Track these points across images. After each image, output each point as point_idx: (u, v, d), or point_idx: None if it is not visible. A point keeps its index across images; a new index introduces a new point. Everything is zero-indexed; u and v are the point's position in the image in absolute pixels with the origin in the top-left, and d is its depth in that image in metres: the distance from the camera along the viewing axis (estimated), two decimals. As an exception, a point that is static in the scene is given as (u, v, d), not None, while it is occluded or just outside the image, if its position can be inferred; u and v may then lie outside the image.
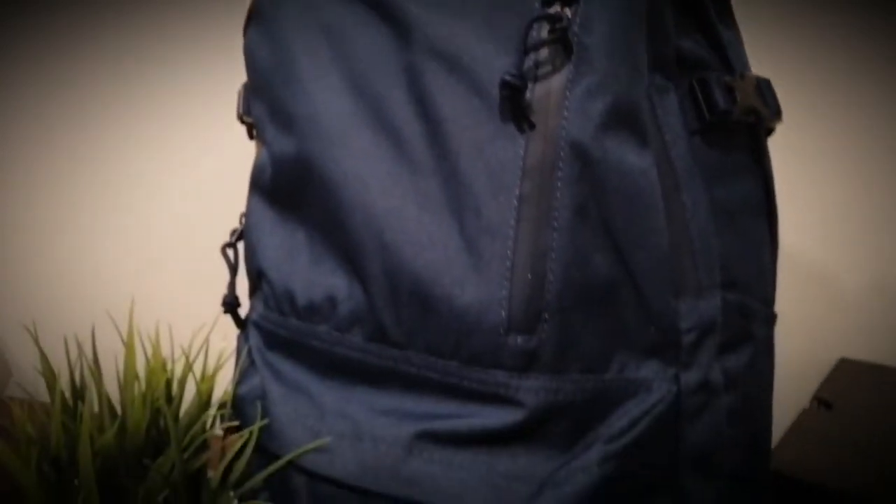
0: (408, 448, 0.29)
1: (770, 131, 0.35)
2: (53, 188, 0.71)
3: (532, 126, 0.28)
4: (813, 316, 0.59)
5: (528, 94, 0.28)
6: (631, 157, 0.28)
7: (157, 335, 0.35)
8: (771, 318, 0.35)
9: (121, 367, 0.35)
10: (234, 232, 0.39)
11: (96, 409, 0.32)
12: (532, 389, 0.28)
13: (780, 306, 0.60)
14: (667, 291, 0.29)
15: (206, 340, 0.34)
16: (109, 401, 0.32)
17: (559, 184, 0.28)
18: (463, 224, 0.29)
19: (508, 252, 0.28)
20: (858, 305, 0.58)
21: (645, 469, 0.29)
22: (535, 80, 0.28)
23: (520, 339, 0.28)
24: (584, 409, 0.29)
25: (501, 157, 0.28)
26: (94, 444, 0.29)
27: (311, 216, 0.33)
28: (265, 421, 0.32)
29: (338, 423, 0.31)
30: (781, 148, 0.58)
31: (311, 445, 0.31)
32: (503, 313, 0.28)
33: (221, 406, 0.34)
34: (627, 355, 0.29)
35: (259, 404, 0.33)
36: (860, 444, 0.42)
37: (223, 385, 0.37)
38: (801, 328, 0.60)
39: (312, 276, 0.33)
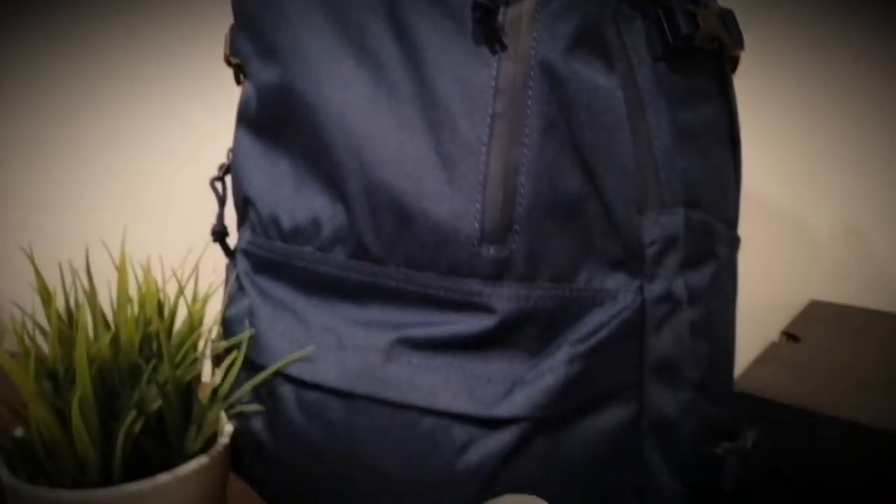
0: (387, 354, 0.31)
1: (735, 64, 0.37)
2: (51, 120, 0.72)
3: (504, 47, 0.29)
4: (783, 259, 0.61)
5: (500, 17, 0.29)
6: (597, 78, 0.30)
7: (149, 262, 0.37)
8: (734, 241, 0.37)
9: (114, 293, 0.36)
10: (221, 166, 0.41)
11: (90, 325, 0.33)
12: (504, 297, 0.30)
13: (750, 250, 0.62)
14: (631, 206, 0.31)
15: (196, 267, 0.36)
16: (104, 316, 0.33)
17: (529, 102, 0.29)
18: (439, 142, 0.30)
19: (481, 167, 0.30)
20: (828, 248, 0.60)
21: (609, 373, 0.31)
22: (507, 3, 0.29)
23: (492, 250, 0.30)
24: (552, 316, 0.31)
25: (475, 78, 0.30)
26: (89, 353, 0.31)
27: (295, 144, 0.35)
28: (252, 331, 0.34)
29: (322, 336, 0.33)
30: (750, 90, 0.59)
31: (296, 355, 0.32)
32: (476, 225, 0.30)
33: (212, 327, 0.36)
34: (594, 267, 0.31)
35: (247, 322, 0.35)
36: (825, 370, 0.44)
37: (213, 315, 0.38)
38: (771, 271, 0.62)
39: (297, 200, 0.35)
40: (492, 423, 0.30)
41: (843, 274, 0.60)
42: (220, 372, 0.35)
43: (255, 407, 0.34)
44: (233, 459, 0.38)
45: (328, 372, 0.32)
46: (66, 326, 0.33)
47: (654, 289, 0.32)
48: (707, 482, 0.35)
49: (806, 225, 0.60)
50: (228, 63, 0.41)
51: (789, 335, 0.50)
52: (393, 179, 0.31)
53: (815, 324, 0.53)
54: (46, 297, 0.33)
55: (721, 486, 0.35)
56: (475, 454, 0.30)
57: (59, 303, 0.35)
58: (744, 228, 0.61)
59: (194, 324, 0.35)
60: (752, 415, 0.40)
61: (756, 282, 0.62)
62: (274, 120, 0.35)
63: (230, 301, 0.37)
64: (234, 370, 0.35)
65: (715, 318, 0.35)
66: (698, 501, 0.35)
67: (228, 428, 0.37)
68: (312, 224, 0.34)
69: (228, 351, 0.37)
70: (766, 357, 0.46)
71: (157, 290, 0.35)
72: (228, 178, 0.41)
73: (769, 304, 0.61)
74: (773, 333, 0.56)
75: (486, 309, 0.30)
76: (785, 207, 0.61)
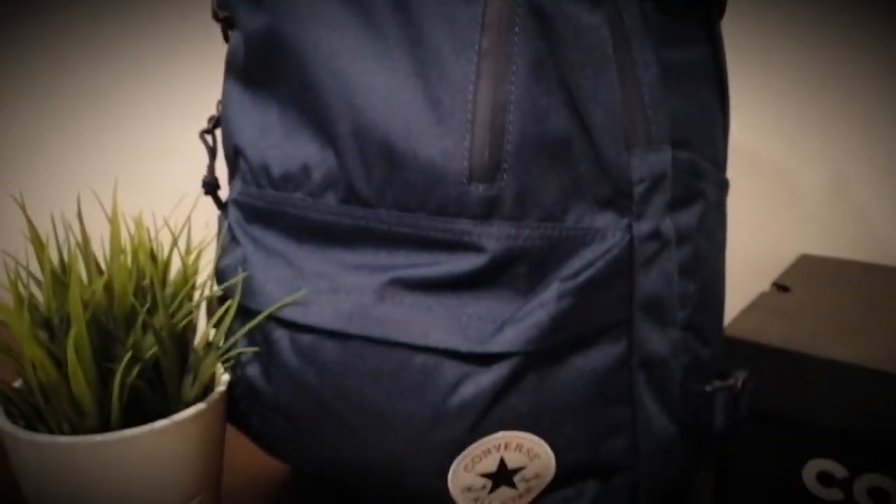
0: (380, 294, 0.31)
1: (721, 8, 0.37)
2: (42, 73, 0.72)
3: (490, -15, 0.29)
4: (774, 215, 0.61)
5: (486, -46, 0.29)
6: (584, 15, 0.30)
7: (141, 215, 0.37)
8: (723, 183, 0.37)
9: (106, 246, 0.36)
10: (211, 119, 0.41)
11: (84, 272, 0.33)
12: (494, 236, 0.30)
13: (742, 206, 0.63)
14: (619, 144, 0.31)
15: (189, 218, 0.36)
16: (97, 264, 0.33)
17: (517, 39, 0.29)
18: (426, 82, 0.30)
19: (469, 106, 0.30)
20: (819, 204, 0.60)
21: (599, 310, 0.31)
22: (493, -60, 0.29)
23: (481, 188, 0.30)
24: (542, 255, 0.31)
25: (462, 15, 0.30)
26: (83, 298, 0.31)
27: (283, 91, 0.35)
28: (245, 274, 0.34)
29: (315, 281, 0.33)
30: (742, 45, 0.59)
31: (290, 298, 0.33)
32: (465, 163, 0.30)
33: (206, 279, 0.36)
34: (583, 206, 0.31)
35: (241, 270, 0.35)
36: (812, 317, 0.44)
37: (207, 269, 0.39)
38: (763, 227, 0.62)
39: (286, 148, 0.35)
40: (483, 359, 0.30)
41: (833, 230, 0.60)
42: (214, 320, 0.35)
43: (250, 349, 0.34)
44: (230, 410, 0.38)
45: (321, 314, 0.32)
46: (60, 275, 0.34)
47: (643, 227, 0.32)
48: (697, 421, 0.35)
49: (797, 181, 0.60)
50: (216, 18, 0.41)
51: (779, 286, 0.51)
52: (382, 121, 0.31)
53: (804, 276, 0.53)
54: (39, 245, 0.33)
55: (711, 425, 0.35)
56: (467, 390, 0.30)
57: (53, 254, 0.35)
58: (736, 185, 0.61)
59: (188, 274, 0.36)
60: (741, 359, 0.41)
61: (748, 237, 0.62)
62: (262, 68, 0.35)
63: (223, 252, 0.37)
64: (229, 318, 0.35)
65: (703, 259, 0.35)
66: (689, 439, 0.36)
67: (225, 377, 0.37)
68: (302, 170, 0.34)
69: (222, 302, 0.37)
70: (756, 305, 0.47)
71: (150, 240, 0.35)
72: (218, 132, 0.41)
73: (761, 258, 0.62)
74: (765, 286, 0.56)
75: (475, 248, 0.31)
76: (776, 164, 0.61)
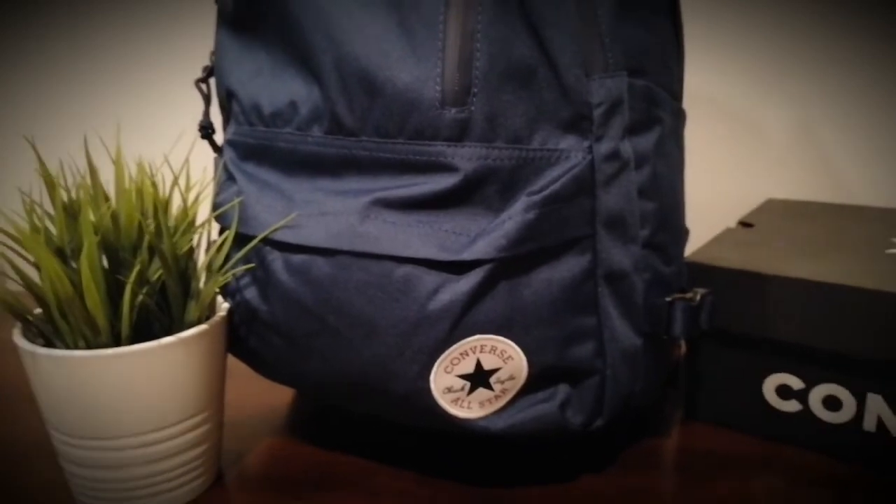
0: (364, 214, 0.34)
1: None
2: (48, 22, 0.75)
3: (456, -76, 0.32)
4: (742, 158, 0.64)
5: None
6: (542, -50, 0.33)
7: (141, 158, 0.40)
8: (678, 112, 0.40)
9: (111, 188, 0.39)
10: (205, 68, 0.44)
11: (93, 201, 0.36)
12: (466, 156, 0.33)
13: (711, 153, 0.66)
14: (579, 71, 0.34)
15: (187, 159, 0.39)
16: (105, 194, 0.36)
17: (481, -27, 0.32)
18: (400, 15, 0.33)
19: (440, 35, 0.33)
20: (784, 150, 0.63)
21: (564, 223, 0.35)
22: None
23: (453, 111, 0.33)
24: (511, 174, 0.34)
25: (432, -45, 0.33)
26: (93, 222, 0.34)
27: (270, 35, 0.38)
28: (241, 198, 0.37)
29: (304, 207, 0.36)
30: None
31: (283, 221, 0.36)
32: (437, 89, 0.33)
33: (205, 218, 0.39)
34: (548, 129, 0.34)
35: (237, 201, 0.38)
36: (774, 246, 0.47)
37: (205, 209, 0.42)
38: (731, 173, 0.65)
39: (275, 86, 0.38)
40: (459, 267, 0.33)
41: (799, 174, 0.64)
42: (215, 248, 0.38)
43: (247, 266, 0.37)
44: (230, 341, 0.41)
45: (311, 234, 0.35)
46: (70, 208, 0.37)
47: (602, 148, 0.35)
48: (658, 331, 0.38)
49: (764, 128, 0.64)
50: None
51: (744, 223, 0.54)
52: (361, 53, 0.34)
53: (769, 214, 0.56)
54: (50, 182, 0.36)
55: (671, 334, 0.39)
56: (445, 296, 0.33)
57: (62, 193, 0.38)
58: (707, 131, 0.64)
59: (188, 208, 0.39)
60: (703, 282, 0.44)
61: (716, 182, 0.65)
62: (249, 14, 0.38)
63: (220, 189, 0.40)
64: (227, 245, 0.38)
65: (661, 181, 0.38)
66: (651, 349, 0.39)
67: (225, 305, 0.40)
68: (290, 106, 0.37)
69: (220, 233, 0.40)
70: (720, 239, 0.50)
71: (152, 177, 0.38)
72: (212, 81, 0.44)
73: (730, 203, 0.65)
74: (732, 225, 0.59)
75: (450, 168, 0.34)
76: (744, 112, 0.64)
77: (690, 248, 0.60)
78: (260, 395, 0.51)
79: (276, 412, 0.49)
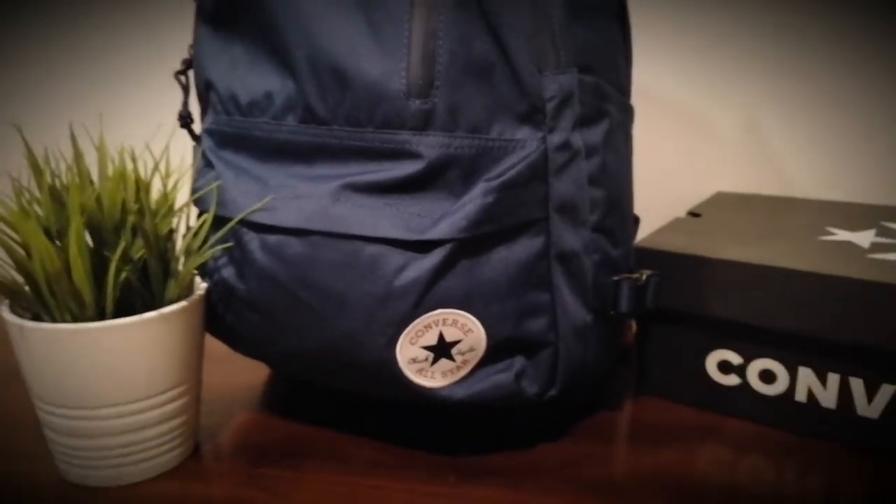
0: (335, 197, 0.37)
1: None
2: (36, 21, 0.77)
3: (420, -67, 0.35)
4: (694, 155, 0.68)
5: None
6: (499, -42, 0.36)
7: (123, 146, 0.42)
8: (626, 107, 0.43)
9: (95, 175, 0.41)
10: (184, 61, 0.46)
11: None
12: (430, 144, 0.36)
13: (663, 149, 0.69)
14: (533, 67, 0.37)
15: (167, 147, 0.41)
16: (90, 178, 0.39)
17: (444, -23, 0.35)
18: (369, 14, 0.36)
19: (405, 32, 0.35)
20: (732, 145, 0.67)
21: (520, 207, 0.38)
22: None
23: (418, 102, 0.36)
24: (472, 162, 0.37)
25: (398, -41, 0.35)
26: (80, 202, 0.36)
27: (248, 30, 0.40)
28: (220, 182, 0.40)
29: (279, 191, 0.39)
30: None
31: (259, 204, 0.38)
32: (403, 82, 0.36)
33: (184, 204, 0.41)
34: (505, 120, 0.37)
35: (214, 184, 0.41)
36: (718, 234, 0.51)
37: (183, 195, 0.44)
38: (682, 168, 0.69)
39: (251, 78, 0.40)
40: (423, 246, 0.36)
41: (745, 169, 0.68)
42: (193, 231, 0.40)
43: (225, 245, 0.40)
44: (208, 320, 0.44)
45: (285, 216, 0.38)
46: (55, 191, 0.39)
47: (555, 139, 0.38)
48: (606, 307, 0.42)
49: (713, 127, 0.68)
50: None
51: (692, 213, 0.58)
52: (333, 48, 0.36)
53: (716, 206, 0.60)
54: (37, 166, 0.38)
55: (618, 310, 0.42)
56: (410, 273, 0.36)
57: (48, 178, 0.40)
58: (659, 129, 0.68)
59: (167, 191, 0.41)
60: (650, 266, 0.48)
61: (670, 176, 0.69)
62: (228, 12, 0.41)
63: (198, 175, 0.43)
64: (205, 228, 0.40)
65: (610, 170, 0.42)
66: (600, 325, 0.42)
67: (203, 285, 0.43)
68: (266, 97, 0.39)
69: (199, 217, 0.42)
70: (668, 227, 0.53)
71: (134, 162, 0.40)
72: (191, 73, 0.46)
73: (682, 196, 0.69)
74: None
75: (415, 155, 0.36)
76: (695, 112, 0.68)
77: (641, 235, 0.64)
78: (236, 376, 0.54)
79: (251, 391, 0.52)
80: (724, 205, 0.60)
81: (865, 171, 0.65)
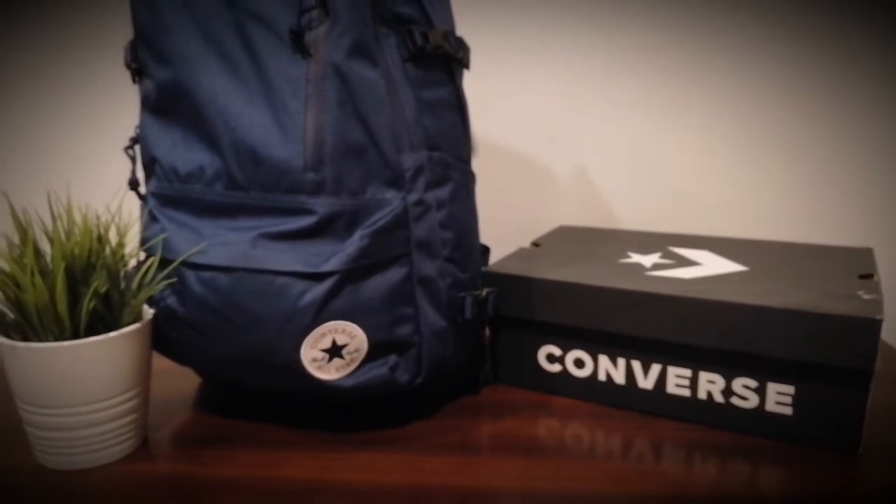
0: (253, 243, 0.51)
1: (465, 62, 0.60)
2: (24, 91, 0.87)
3: (309, 55, 0.50)
4: (538, 193, 0.86)
5: (306, 37, 0.50)
6: (367, 73, 0.51)
7: (87, 206, 0.55)
8: (467, 172, 0.59)
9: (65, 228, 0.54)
10: (131, 138, 0.59)
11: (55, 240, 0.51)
12: (322, 204, 0.51)
13: (512, 189, 0.86)
14: (394, 148, 0.52)
15: (121, 205, 0.54)
16: (66, 233, 0.51)
17: (327, 87, 0.50)
18: (276, 112, 0.50)
19: (301, 126, 0.50)
20: (568, 185, 0.85)
21: (389, 246, 0.53)
22: (310, 28, 0.50)
23: (312, 175, 0.51)
24: (353, 216, 0.52)
25: (295, 74, 0.50)
26: (62, 252, 0.49)
27: (184, 118, 0.54)
28: (166, 235, 0.53)
29: (211, 239, 0.52)
30: (489, 84, 0.83)
31: (195, 249, 0.52)
32: (301, 160, 0.50)
33: (133, 252, 0.54)
34: (376, 185, 0.53)
35: (162, 236, 0.54)
36: (551, 260, 0.68)
37: (134, 243, 0.57)
38: (530, 204, 0.86)
39: (188, 155, 0.54)
40: (318, 277, 0.50)
41: (579, 206, 0.85)
42: (143, 270, 0.53)
43: (169, 280, 0.53)
44: (155, 340, 0.57)
45: (216, 257, 0.51)
46: (40, 247, 0.51)
47: (412, 197, 0.53)
48: (456, 316, 0.57)
49: (552, 171, 0.85)
50: (128, 67, 0.60)
51: (534, 243, 0.75)
52: (249, 136, 0.51)
53: (554, 237, 0.77)
54: (23, 232, 0.51)
55: (463, 317, 0.58)
56: (309, 296, 0.50)
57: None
58: (509, 175, 0.85)
59: (123, 241, 0.54)
60: (496, 285, 0.64)
61: (518, 212, 0.86)
62: (168, 104, 0.54)
63: (145, 228, 0.56)
64: (153, 268, 0.53)
65: (456, 218, 0.57)
66: (453, 329, 0.58)
67: (150, 311, 0.55)
68: (199, 169, 0.53)
69: (147, 260, 0.55)
70: (512, 255, 0.70)
71: (98, 218, 0.53)
72: (137, 147, 0.59)
73: (529, 228, 0.86)
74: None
75: (311, 212, 0.51)
76: (535, 156, 0.85)
77: (493, 261, 0.81)
78: (175, 386, 0.66)
79: (187, 396, 0.64)
80: (561, 236, 0.78)
81: (663, 205, 0.84)
